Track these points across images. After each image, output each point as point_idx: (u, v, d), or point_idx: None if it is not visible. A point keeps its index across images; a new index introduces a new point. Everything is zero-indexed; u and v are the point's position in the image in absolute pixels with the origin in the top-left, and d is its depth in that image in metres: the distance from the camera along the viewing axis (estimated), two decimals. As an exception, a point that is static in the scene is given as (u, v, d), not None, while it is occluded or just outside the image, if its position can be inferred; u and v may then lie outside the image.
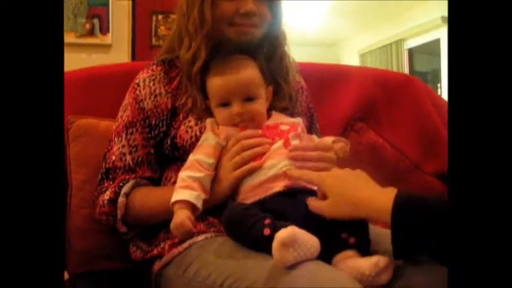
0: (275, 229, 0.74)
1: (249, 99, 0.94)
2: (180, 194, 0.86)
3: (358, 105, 1.47)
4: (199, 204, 0.86)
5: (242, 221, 0.80)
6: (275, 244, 0.70)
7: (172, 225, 0.83)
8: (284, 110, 1.03)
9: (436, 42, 5.23)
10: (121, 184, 0.99)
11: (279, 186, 0.86)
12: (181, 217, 0.82)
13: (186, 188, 0.87)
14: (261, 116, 0.96)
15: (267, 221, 0.77)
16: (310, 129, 1.16)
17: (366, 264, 0.72)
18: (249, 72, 0.95)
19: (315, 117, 1.21)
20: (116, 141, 1.02)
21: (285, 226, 0.73)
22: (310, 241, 0.72)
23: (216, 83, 0.95)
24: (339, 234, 0.78)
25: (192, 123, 0.99)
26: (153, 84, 1.03)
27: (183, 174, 0.90)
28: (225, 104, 0.94)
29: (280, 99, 1.04)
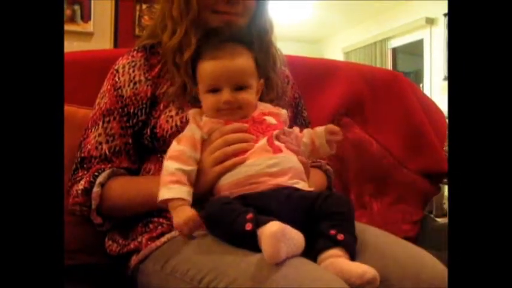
0: (257, 224, 0.72)
1: (240, 88, 0.90)
2: (173, 190, 0.82)
3: (345, 100, 1.48)
4: (190, 201, 0.83)
5: (223, 216, 0.77)
6: (265, 238, 0.68)
7: (180, 221, 0.80)
8: (270, 102, 1.01)
9: (420, 42, 5.28)
10: (96, 174, 0.95)
11: (264, 185, 0.82)
12: (187, 213, 0.80)
13: (177, 183, 0.83)
14: (249, 106, 0.92)
15: (249, 216, 0.74)
16: (295, 120, 1.14)
17: (353, 272, 0.70)
18: (243, 60, 0.91)
19: (302, 104, 1.19)
20: (92, 130, 0.99)
21: (268, 221, 0.70)
22: (295, 236, 0.71)
23: (207, 68, 0.90)
24: (327, 231, 0.75)
25: (173, 112, 0.95)
26: (133, 71, 0.99)
27: (172, 166, 0.85)
28: (214, 90, 0.90)
29: (269, 91, 1.01)
